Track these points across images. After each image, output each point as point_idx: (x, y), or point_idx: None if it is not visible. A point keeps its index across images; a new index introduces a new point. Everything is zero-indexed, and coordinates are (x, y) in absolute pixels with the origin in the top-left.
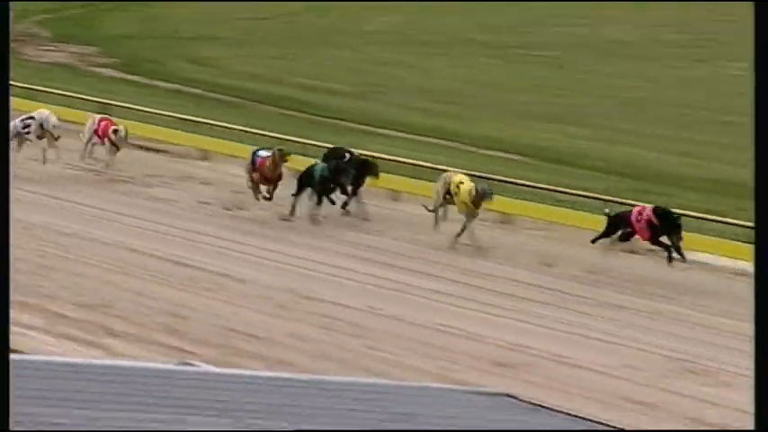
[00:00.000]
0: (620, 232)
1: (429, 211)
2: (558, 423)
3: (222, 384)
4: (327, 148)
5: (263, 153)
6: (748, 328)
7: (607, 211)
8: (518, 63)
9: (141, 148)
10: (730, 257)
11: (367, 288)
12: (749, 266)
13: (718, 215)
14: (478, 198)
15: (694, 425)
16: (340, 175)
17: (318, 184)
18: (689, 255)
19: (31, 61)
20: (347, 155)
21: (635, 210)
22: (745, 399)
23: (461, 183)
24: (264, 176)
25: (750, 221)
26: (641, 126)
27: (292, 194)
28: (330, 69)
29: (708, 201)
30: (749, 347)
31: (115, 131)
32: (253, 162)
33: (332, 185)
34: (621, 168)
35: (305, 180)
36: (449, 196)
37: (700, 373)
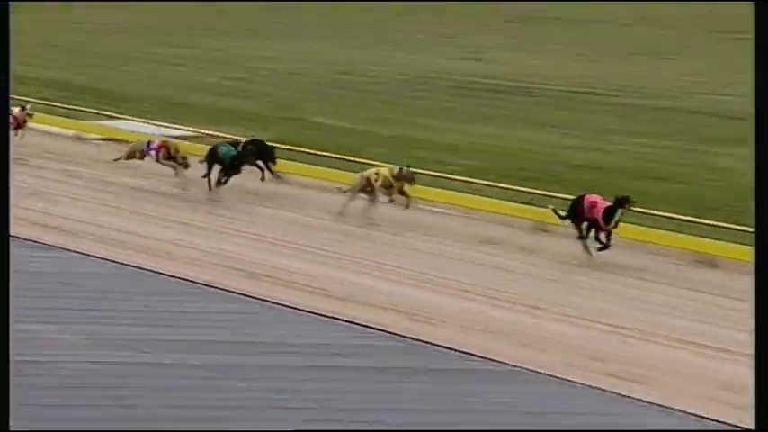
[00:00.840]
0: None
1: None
2: None
3: None
4: None
5: (155, 142)
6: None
7: (552, 207)
8: None
9: None
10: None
11: None
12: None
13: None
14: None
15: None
16: (245, 158)
17: (228, 164)
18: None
19: None
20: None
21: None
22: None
23: (377, 171)
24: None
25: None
26: None
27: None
28: None
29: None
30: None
31: None
32: (148, 148)
33: (238, 166)
34: None
35: (212, 159)
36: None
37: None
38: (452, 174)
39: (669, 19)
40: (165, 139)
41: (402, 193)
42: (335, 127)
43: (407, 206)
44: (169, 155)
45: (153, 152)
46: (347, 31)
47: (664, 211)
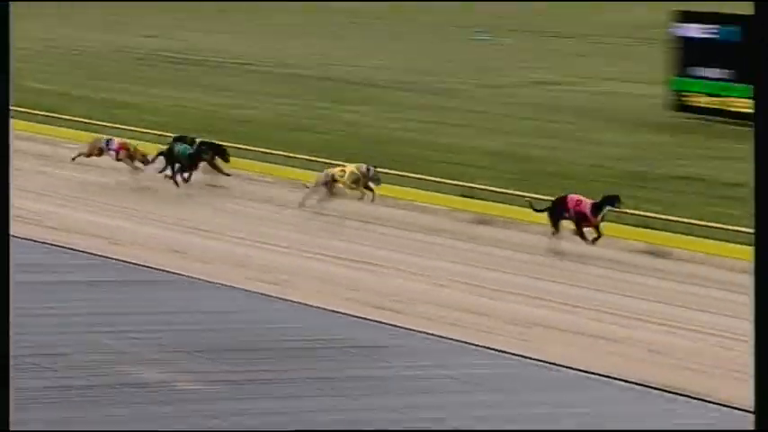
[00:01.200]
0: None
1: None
2: None
3: None
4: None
5: (117, 140)
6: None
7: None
8: None
9: None
10: None
11: None
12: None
13: None
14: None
15: None
16: (200, 157)
17: (186, 162)
18: None
19: None
20: (195, 140)
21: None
22: None
23: (343, 170)
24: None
25: None
26: None
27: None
28: None
29: None
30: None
31: None
32: (107, 146)
33: (194, 165)
34: None
35: (169, 158)
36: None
37: None
38: (135, 127)
39: (316, 6)
40: (124, 140)
41: (367, 188)
42: (45, 90)
43: (373, 200)
44: (129, 154)
45: (113, 152)
46: (51, 12)
47: (301, 154)
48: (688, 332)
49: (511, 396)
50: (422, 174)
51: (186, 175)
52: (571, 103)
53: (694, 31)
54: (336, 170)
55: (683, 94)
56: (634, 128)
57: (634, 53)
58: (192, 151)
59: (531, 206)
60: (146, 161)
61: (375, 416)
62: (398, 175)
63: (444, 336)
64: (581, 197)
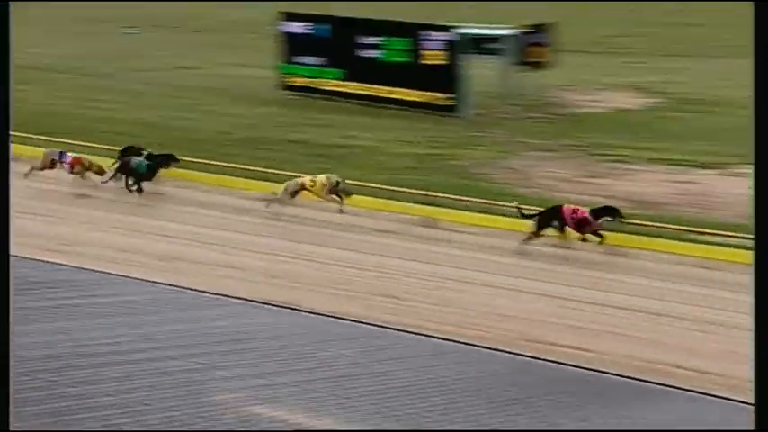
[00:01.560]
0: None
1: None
2: None
3: None
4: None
5: (70, 154)
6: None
7: (516, 203)
8: None
9: None
10: None
11: None
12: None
13: None
14: (333, 191)
15: None
16: (157, 168)
17: (138, 174)
18: None
19: None
20: (143, 152)
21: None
22: None
23: (314, 180)
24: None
25: None
26: None
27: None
28: None
29: None
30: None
31: None
32: (61, 159)
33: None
34: None
35: (125, 169)
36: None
37: None
38: None
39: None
40: (79, 155)
41: (338, 196)
42: None
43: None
44: (84, 168)
45: (67, 165)
46: None
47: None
48: (296, 260)
49: (152, 316)
50: (88, 142)
51: (136, 186)
52: (203, 84)
53: (296, 27)
54: (307, 180)
55: (289, 76)
56: (253, 103)
57: (251, 44)
58: (150, 163)
59: (519, 211)
60: (101, 172)
61: (36, 339)
62: (63, 142)
63: (104, 270)
64: (576, 207)
